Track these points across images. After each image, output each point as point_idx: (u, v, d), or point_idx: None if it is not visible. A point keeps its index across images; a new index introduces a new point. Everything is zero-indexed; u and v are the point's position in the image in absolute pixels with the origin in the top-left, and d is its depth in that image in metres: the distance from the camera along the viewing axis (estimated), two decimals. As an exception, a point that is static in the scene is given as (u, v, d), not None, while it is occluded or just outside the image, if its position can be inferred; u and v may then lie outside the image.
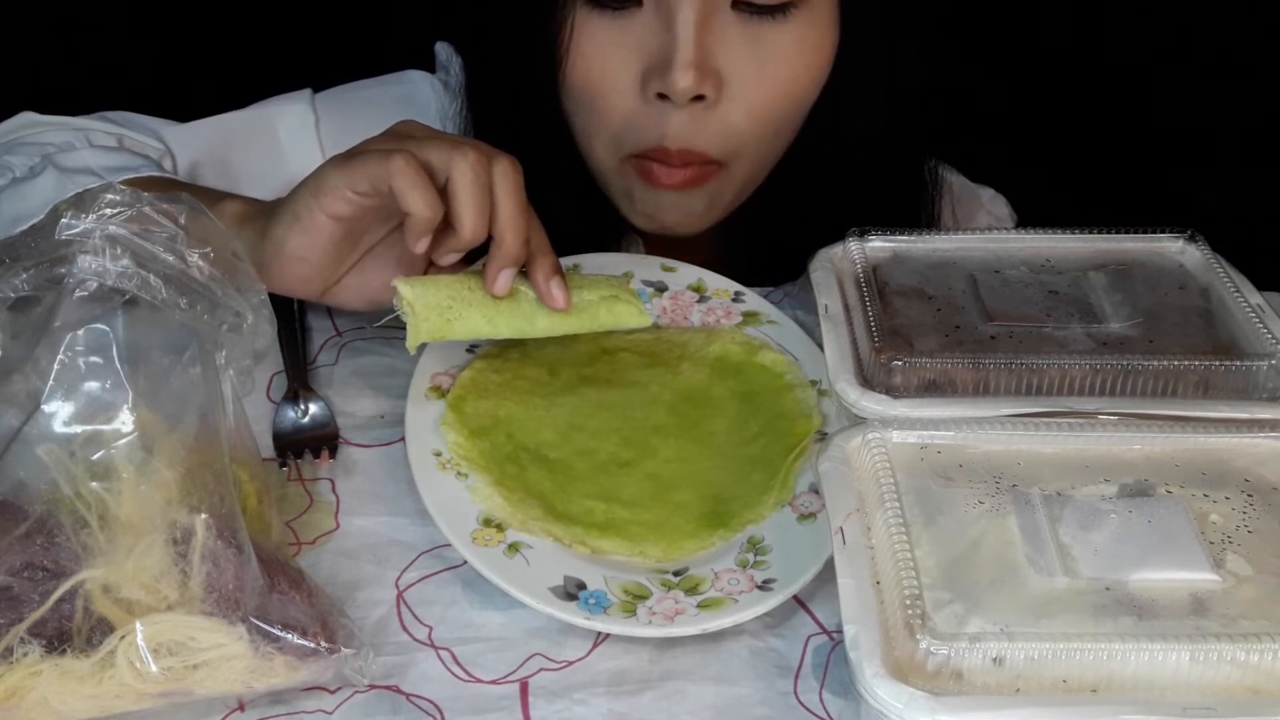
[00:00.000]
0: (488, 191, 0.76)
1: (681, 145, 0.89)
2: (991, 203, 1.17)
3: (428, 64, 1.10)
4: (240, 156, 1.04)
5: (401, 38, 1.12)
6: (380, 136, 0.80)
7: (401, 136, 0.79)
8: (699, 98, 0.87)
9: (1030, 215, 1.06)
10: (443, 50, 1.09)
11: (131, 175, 0.92)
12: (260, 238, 0.80)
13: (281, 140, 1.05)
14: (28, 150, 0.98)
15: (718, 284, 0.93)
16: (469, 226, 0.76)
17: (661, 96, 0.87)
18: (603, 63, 0.89)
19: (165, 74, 1.08)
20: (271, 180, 1.00)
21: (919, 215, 1.03)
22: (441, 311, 0.78)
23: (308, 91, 1.07)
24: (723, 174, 0.93)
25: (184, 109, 1.06)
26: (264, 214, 0.81)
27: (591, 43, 0.88)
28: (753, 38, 0.87)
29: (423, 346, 0.82)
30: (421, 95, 1.07)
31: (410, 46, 1.10)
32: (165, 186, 0.92)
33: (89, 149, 0.97)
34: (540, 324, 0.81)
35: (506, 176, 0.76)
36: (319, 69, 1.09)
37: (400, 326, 0.79)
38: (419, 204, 0.74)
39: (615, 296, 0.83)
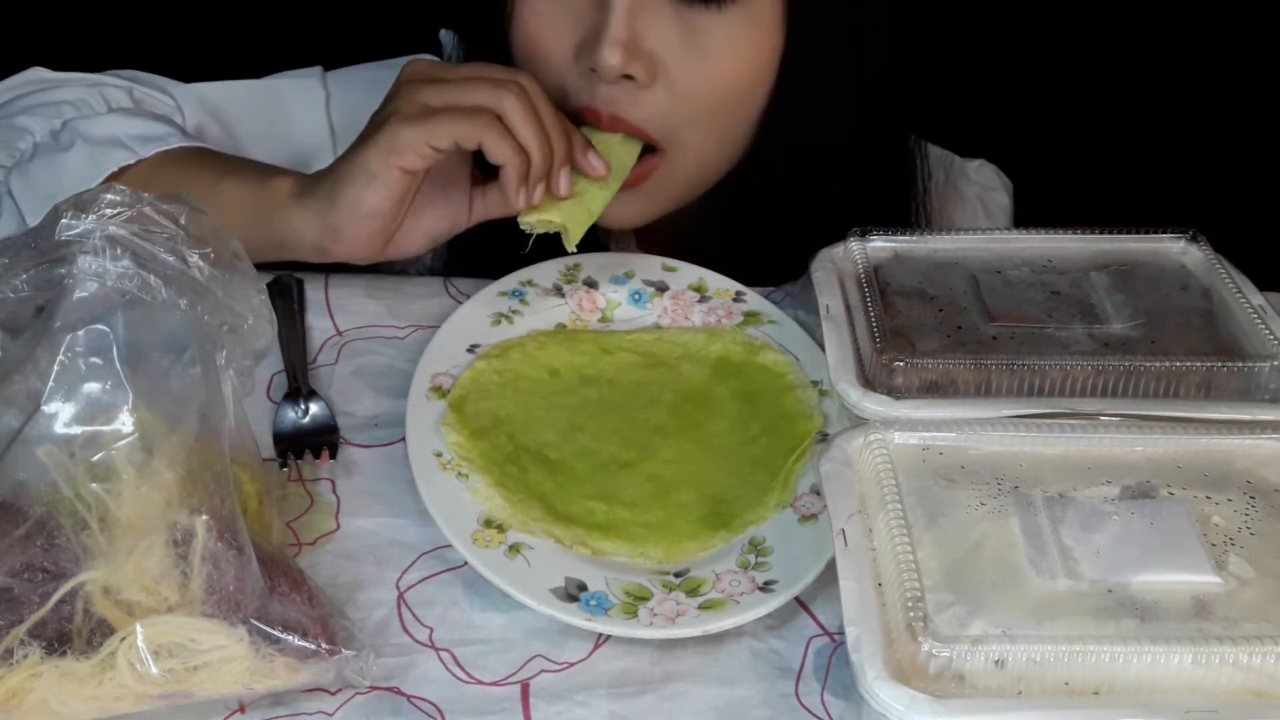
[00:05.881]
0: (537, 116, 0.83)
1: (612, 111, 0.90)
2: (978, 172, 1.14)
3: (434, 53, 1.10)
4: (246, 124, 1.04)
5: (407, 26, 1.12)
6: (409, 86, 0.83)
7: (427, 82, 0.83)
8: (628, 77, 0.87)
9: (1032, 216, 1.06)
10: (446, 38, 1.09)
11: (162, 147, 0.92)
12: (326, 203, 0.84)
13: (290, 113, 1.06)
14: (44, 111, 0.95)
15: (719, 284, 0.93)
16: (542, 153, 0.82)
17: (593, 70, 0.88)
18: (540, 32, 0.91)
19: (171, 57, 1.07)
20: (277, 151, 1.01)
21: (908, 204, 1.02)
22: (568, 214, 0.85)
23: (318, 69, 1.08)
24: (663, 166, 0.93)
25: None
26: (324, 181, 0.85)
27: (532, 12, 0.91)
28: (687, 25, 0.88)
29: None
30: None
31: (416, 36, 1.10)
32: (199, 155, 0.92)
33: (110, 114, 0.95)
34: (600, 198, 0.88)
35: (538, 99, 0.84)
36: (324, 55, 1.09)
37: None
38: (512, 154, 0.81)
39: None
